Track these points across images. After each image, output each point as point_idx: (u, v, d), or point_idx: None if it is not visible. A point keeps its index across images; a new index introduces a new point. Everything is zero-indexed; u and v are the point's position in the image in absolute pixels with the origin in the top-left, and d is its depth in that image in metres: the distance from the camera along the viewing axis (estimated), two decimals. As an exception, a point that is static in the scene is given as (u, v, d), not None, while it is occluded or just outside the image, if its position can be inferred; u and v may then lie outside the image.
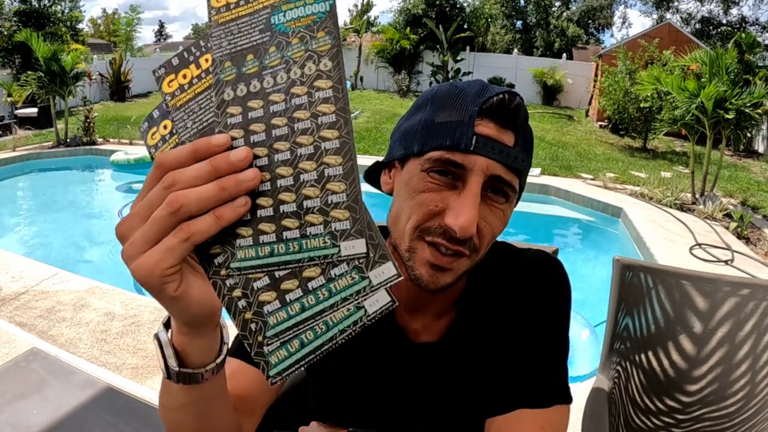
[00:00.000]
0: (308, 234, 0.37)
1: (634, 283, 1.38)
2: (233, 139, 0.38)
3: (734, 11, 27.99)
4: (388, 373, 0.74)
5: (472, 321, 0.72)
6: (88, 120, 9.45)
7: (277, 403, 1.03)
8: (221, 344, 0.49)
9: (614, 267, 1.40)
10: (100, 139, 9.86)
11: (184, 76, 0.41)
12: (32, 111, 11.24)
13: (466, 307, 0.73)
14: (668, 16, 28.39)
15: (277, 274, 0.38)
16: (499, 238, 0.71)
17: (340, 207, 0.37)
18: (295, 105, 0.37)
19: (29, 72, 9.15)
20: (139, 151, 8.38)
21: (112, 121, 11.36)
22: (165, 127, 0.42)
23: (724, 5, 27.44)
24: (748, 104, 5.89)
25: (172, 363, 0.46)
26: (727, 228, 5.53)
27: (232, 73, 0.39)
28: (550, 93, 18.41)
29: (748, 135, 6.98)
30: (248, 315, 0.38)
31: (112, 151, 8.72)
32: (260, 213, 0.38)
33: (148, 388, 2.32)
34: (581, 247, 6.30)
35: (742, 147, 10.65)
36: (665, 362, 1.37)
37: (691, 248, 4.82)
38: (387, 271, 0.37)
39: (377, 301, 0.37)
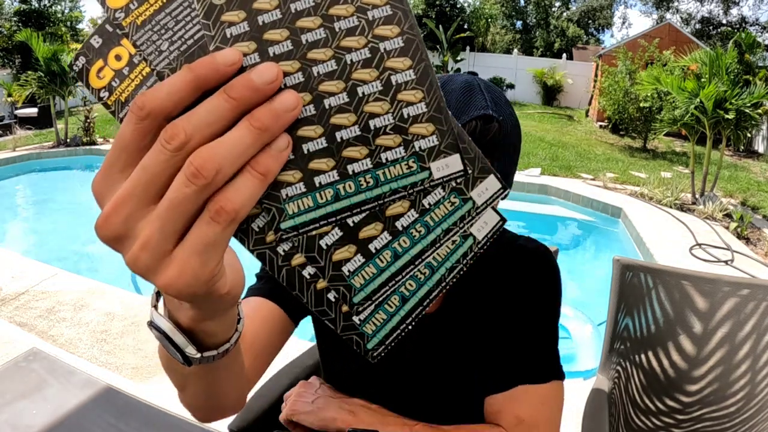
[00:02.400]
0: (384, 161, 0.29)
1: (634, 283, 1.38)
2: (244, 55, 0.27)
3: (734, 11, 28.03)
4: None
5: (464, 296, 0.78)
6: (88, 120, 9.45)
7: (280, 402, 1.04)
8: (238, 307, 0.40)
9: (614, 267, 1.40)
10: (101, 139, 9.86)
11: None
12: (32, 111, 11.24)
13: (459, 283, 0.77)
14: (668, 16, 28.43)
15: (350, 221, 0.29)
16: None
17: (422, 120, 0.29)
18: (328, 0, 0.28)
19: (29, 72, 9.15)
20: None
21: (112, 121, 11.36)
22: (118, 58, 0.30)
23: (724, 5, 27.45)
24: (748, 104, 5.89)
25: (191, 351, 0.36)
26: (727, 228, 5.53)
27: None
28: (550, 93, 18.43)
29: (748, 135, 7.00)
30: (322, 284, 0.30)
31: (112, 151, 8.70)
32: (307, 147, 0.28)
33: (148, 388, 2.32)
34: (581, 247, 6.30)
35: (742, 147, 10.67)
36: (665, 362, 1.37)
37: (691, 248, 4.82)
38: (491, 186, 0.30)
39: (486, 224, 0.31)
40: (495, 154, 0.61)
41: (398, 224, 0.30)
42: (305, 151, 0.28)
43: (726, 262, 4.52)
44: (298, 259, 0.30)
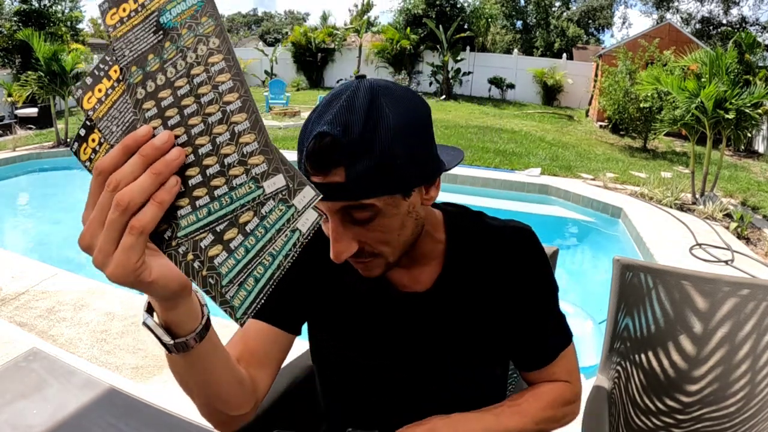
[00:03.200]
0: (235, 185, 0.42)
1: (634, 283, 1.38)
2: (154, 128, 0.43)
3: (734, 11, 27.99)
4: (380, 319, 0.85)
5: (455, 277, 0.84)
6: (88, 120, 9.44)
7: (282, 402, 1.04)
8: (201, 306, 0.56)
9: (614, 267, 1.40)
10: (100, 139, 9.85)
11: (99, 90, 0.46)
12: (32, 111, 11.23)
13: (449, 265, 0.84)
14: (668, 16, 28.39)
15: (218, 228, 0.42)
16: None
17: (255, 154, 0.41)
18: (197, 83, 0.42)
19: (29, 72, 9.15)
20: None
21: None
22: (93, 140, 0.47)
23: (724, 5, 27.43)
24: (748, 104, 5.88)
25: (167, 339, 0.53)
26: (727, 228, 5.53)
27: (139, 75, 0.44)
28: (550, 93, 18.41)
29: (748, 135, 6.99)
30: (204, 272, 0.43)
31: (112, 151, 8.70)
32: (191, 182, 0.43)
33: (149, 388, 2.32)
34: (581, 247, 6.30)
35: (742, 147, 10.66)
36: (665, 362, 1.37)
37: (691, 248, 4.82)
38: (307, 194, 0.41)
39: (308, 220, 0.41)
40: (353, 159, 0.62)
41: (247, 228, 0.42)
42: (190, 185, 0.43)
43: (726, 262, 4.52)
44: (189, 256, 0.43)
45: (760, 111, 6.11)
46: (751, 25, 26.93)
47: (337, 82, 20.21)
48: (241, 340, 0.81)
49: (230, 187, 0.42)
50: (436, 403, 0.83)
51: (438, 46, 18.68)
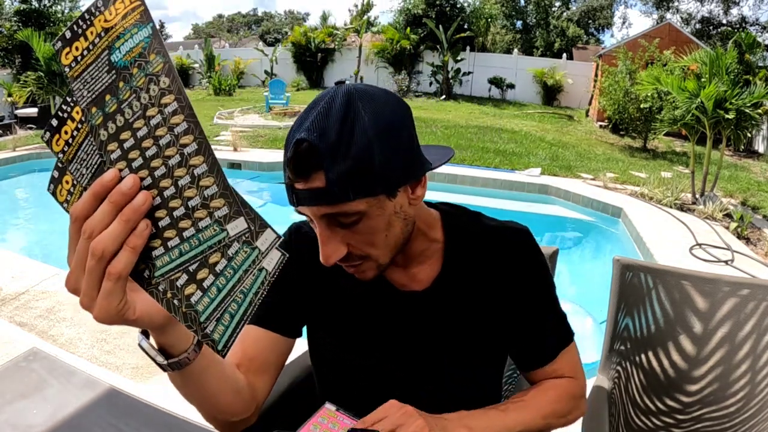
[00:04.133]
0: (201, 228, 0.43)
1: (634, 283, 1.38)
2: (120, 170, 0.44)
3: (734, 11, 27.98)
4: (378, 317, 0.86)
5: (454, 277, 0.85)
6: (88, 120, 9.44)
7: (280, 402, 1.04)
8: None
9: (614, 267, 1.40)
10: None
11: (66, 132, 0.46)
12: (32, 111, 11.23)
13: (448, 264, 0.85)
14: (668, 16, 28.37)
15: (190, 268, 0.44)
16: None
17: (216, 197, 0.42)
18: (153, 125, 0.42)
19: (29, 72, 9.15)
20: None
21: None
22: (67, 182, 0.48)
23: (724, 5, 27.42)
24: (748, 104, 5.88)
25: (160, 359, 0.56)
26: (727, 228, 5.53)
27: (99, 115, 0.44)
28: (550, 93, 18.41)
29: (748, 135, 6.98)
30: (184, 309, 0.44)
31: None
32: (161, 224, 0.44)
33: (149, 388, 2.32)
34: (581, 247, 6.30)
35: (742, 147, 10.65)
36: (665, 362, 1.37)
37: (691, 248, 4.82)
38: (269, 236, 0.42)
39: (272, 260, 0.42)
40: (332, 163, 0.63)
41: (217, 268, 0.43)
42: (160, 227, 0.44)
43: (726, 262, 4.52)
44: (169, 294, 0.44)
45: (760, 111, 6.11)
46: (751, 25, 26.92)
47: (336, 83, 20.21)
48: (240, 346, 0.81)
49: (197, 229, 0.43)
50: (433, 403, 0.83)
51: (438, 46, 18.67)
